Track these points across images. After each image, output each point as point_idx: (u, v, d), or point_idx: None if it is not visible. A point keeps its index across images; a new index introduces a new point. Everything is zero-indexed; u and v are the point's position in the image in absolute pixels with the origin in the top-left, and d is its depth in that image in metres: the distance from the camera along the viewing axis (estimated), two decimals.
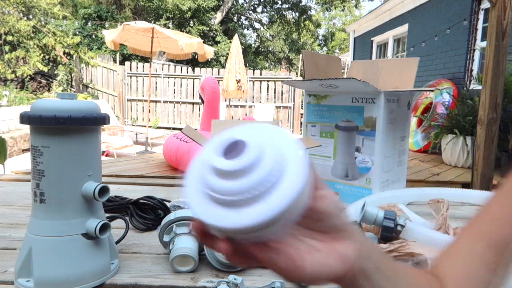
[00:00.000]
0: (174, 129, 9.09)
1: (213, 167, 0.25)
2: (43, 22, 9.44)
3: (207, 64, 12.41)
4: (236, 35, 6.75)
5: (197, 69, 9.56)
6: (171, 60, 10.87)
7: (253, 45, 18.45)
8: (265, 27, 18.13)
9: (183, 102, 9.46)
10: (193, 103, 9.39)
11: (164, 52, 9.47)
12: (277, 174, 0.25)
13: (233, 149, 0.26)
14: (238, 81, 6.36)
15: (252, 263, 0.28)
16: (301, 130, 8.91)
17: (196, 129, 1.22)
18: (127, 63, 9.55)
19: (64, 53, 9.07)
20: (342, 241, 0.29)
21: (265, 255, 0.27)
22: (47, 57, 9.11)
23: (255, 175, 0.24)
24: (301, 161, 0.26)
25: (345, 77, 1.07)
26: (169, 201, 1.00)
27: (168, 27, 12.48)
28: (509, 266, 0.32)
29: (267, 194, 0.24)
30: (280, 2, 17.26)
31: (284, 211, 0.24)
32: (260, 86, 9.37)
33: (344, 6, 17.83)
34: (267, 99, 9.44)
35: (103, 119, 0.62)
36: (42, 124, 0.57)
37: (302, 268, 0.27)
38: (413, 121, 5.07)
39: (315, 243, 0.29)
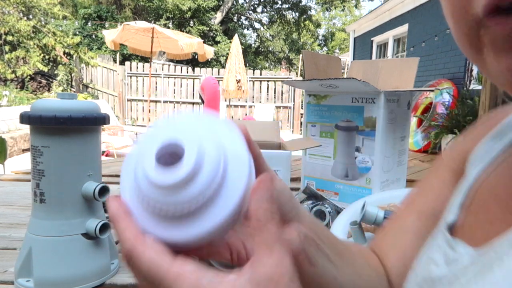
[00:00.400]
0: None
1: (148, 179, 0.22)
2: (43, 22, 9.44)
3: (207, 64, 12.41)
4: (236, 35, 6.76)
5: (197, 69, 9.56)
6: (171, 60, 10.87)
7: (253, 45, 18.45)
8: (265, 27, 18.13)
9: (183, 102, 9.46)
10: (193, 103, 9.40)
11: (164, 52, 9.47)
12: (218, 181, 0.23)
13: (168, 151, 0.24)
14: (238, 81, 6.36)
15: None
16: (301, 130, 8.91)
17: None
18: (127, 63, 9.55)
19: (64, 53, 9.07)
20: (285, 225, 0.27)
21: (204, 254, 0.25)
22: (47, 57, 9.11)
23: (194, 187, 0.22)
24: (242, 159, 0.24)
25: (345, 77, 1.07)
26: None
27: (168, 27, 12.47)
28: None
29: (209, 203, 0.23)
30: (280, 2, 17.26)
31: (228, 219, 0.23)
32: (260, 86, 9.37)
33: (344, 6, 17.83)
34: (267, 99, 9.44)
35: (103, 119, 0.62)
36: (42, 124, 0.57)
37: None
38: (413, 121, 5.07)
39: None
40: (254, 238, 0.22)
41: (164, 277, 0.20)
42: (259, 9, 18.23)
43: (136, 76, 9.45)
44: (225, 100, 8.01)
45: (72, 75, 9.79)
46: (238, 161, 0.24)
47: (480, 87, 3.13)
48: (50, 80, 10.28)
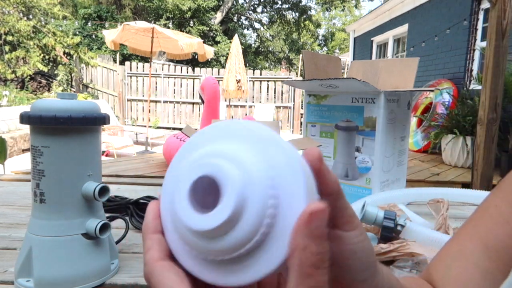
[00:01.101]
0: (174, 129, 9.09)
1: (186, 227, 0.20)
2: (43, 22, 9.44)
3: (207, 64, 12.41)
4: (236, 35, 6.75)
5: (197, 69, 9.56)
6: (171, 60, 10.87)
7: (253, 45, 18.45)
8: (265, 27, 18.13)
9: (183, 102, 9.46)
10: (193, 103, 9.40)
11: (164, 52, 9.47)
12: (268, 220, 0.19)
13: (204, 189, 0.20)
14: (238, 81, 6.36)
15: None
16: (301, 130, 8.91)
17: (196, 129, 1.22)
18: (127, 63, 9.56)
19: (64, 53, 9.07)
20: None
21: None
22: (47, 57, 9.12)
23: (238, 231, 0.19)
24: (300, 191, 0.19)
25: (345, 77, 1.07)
26: None
27: (168, 27, 12.47)
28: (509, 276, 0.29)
29: (253, 253, 0.19)
30: (280, 2, 17.27)
31: (274, 271, 0.19)
32: (260, 86, 9.37)
33: (344, 6, 17.84)
34: (267, 99, 9.44)
35: (103, 119, 0.62)
36: (42, 124, 0.57)
37: None
38: (413, 121, 5.07)
39: None
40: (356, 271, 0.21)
41: None
42: (259, 9, 18.24)
43: (136, 76, 9.45)
44: (225, 100, 8.01)
45: (72, 75, 9.79)
46: (293, 194, 0.19)
47: (480, 87, 3.13)
48: (50, 80, 10.28)
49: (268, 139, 0.20)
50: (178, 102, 9.48)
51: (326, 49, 22.58)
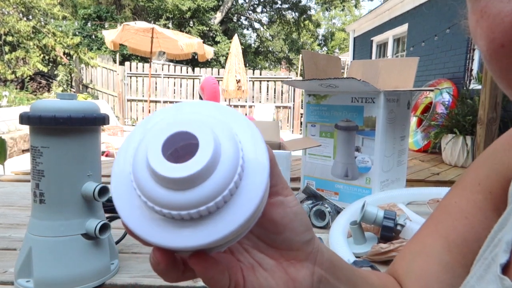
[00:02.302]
0: None
1: (154, 172, 0.19)
2: (43, 23, 9.44)
3: (207, 64, 12.41)
4: (236, 35, 6.75)
5: (197, 69, 9.56)
6: (171, 60, 10.87)
7: (253, 45, 18.45)
8: (265, 27, 18.13)
9: None
10: None
11: (164, 52, 9.47)
12: (236, 179, 0.19)
13: (176, 142, 0.21)
14: (238, 81, 6.36)
15: (186, 276, 0.23)
16: (301, 130, 8.91)
17: None
18: (127, 63, 9.56)
19: (64, 53, 9.07)
20: (296, 262, 0.25)
21: (202, 267, 0.22)
22: (47, 57, 9.12)
23: (209, 184, 0.19)
24: (262, 155, 0.21)
25: (345, 77, 1.07)
26: None
27: (168, 27, 12.47)
28: (471, 268, 0.29)
29: (224, 207, 0.20)
30: (280, 2, 17.26)
31: (243, 225, 0.20)
32: (260, 86, 9.37)
33: (344, 6, 17.83)
34: (267, 99, 9.44)
35: (103, 119, 0.62)
36: (41, 125, 0.57)
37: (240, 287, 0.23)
38: (413, 120, 5.07)
39: (263, 259, 0.25)
40: (289, 234, 0.23)
41: None
42: (259, 9, 18.24)
43: (136, 76, 9.45)
44: (225, 100, 8.01)
45: (72, 75, 9.79)
46: (256, 163, 0.21)
47: (480, 87, 3.13)
48: (50, 80, 10.28)
49: (227, 112, 0.22)
50: (178, 102, 9.48)
51: (326, 49, 22.58)
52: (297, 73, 12.28)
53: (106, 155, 5.49)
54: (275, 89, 9.40)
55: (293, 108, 9.24)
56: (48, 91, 9.97)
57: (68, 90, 9.84)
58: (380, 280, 0.35)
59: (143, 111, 9.46)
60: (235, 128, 0.21)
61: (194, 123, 0.20)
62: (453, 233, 0.35)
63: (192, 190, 0.19)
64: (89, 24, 12.32)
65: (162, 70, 9.48)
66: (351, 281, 0.29)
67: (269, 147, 0.23)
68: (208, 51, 6.26)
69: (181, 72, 9.49)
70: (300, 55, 12.07)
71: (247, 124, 0.22)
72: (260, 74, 9.51)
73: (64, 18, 9.96)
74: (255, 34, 18.71)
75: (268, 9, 17.86)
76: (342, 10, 19.22)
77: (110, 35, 5.84)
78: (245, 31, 18.53)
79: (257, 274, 0.24)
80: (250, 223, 0.21)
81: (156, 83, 9.47)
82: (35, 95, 9.30)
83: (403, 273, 0.36)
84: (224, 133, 0.20)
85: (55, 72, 10.05)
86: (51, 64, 9.93)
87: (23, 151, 5.62)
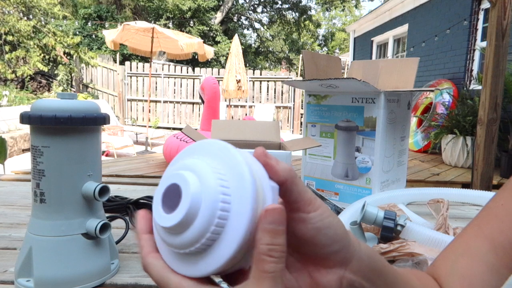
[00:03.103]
0: (174, 129, 9.10)
1: (156, 223, 0.24)
2: (43, 22, 9.44)
3: (207, 64, 12.41)
4: (236, 35, 6.75)
5: (197, 69, 9.56)
6: (171, 60, 10.87)
7: (253, 45, 18.46)
8: (265, 27, 18.14)
9: (183, 102, 9.46)
10: (193, 103, 9.40)
11: (164, 52, 9.47)
12: (219, 221, 0.22)
13: (173, 190, 0.24)
14: (238, 81, 6.36)
15: None
16: (301, 130, 8.91)
17: (196, 129, 1.22)
18: (127, 63, 9.56)
19: (64, 53, 9.07)
20: (322, 268, 0.26)
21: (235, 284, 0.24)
22: (47, 57, 9.12)
23: (194, 229, 0.22)
24: (247, 191, 0.22)
25: (345, 77, 1.07)
26: None
27: (168, 27, 12.48)
28: None
29: (210, 246, 0.23)
30: (280, 2, 17.27)
31: (231, 260, 0.22)
32: (260, 86, 9.38)
33: (344, 6, 17.83)
34: (267, 99, 9.44)
35: (103, 119, 0.62)
36: (42, 124, 0.57)
37: None
38: (413, 121, 5.07)
39: (291, 262, 0.26)
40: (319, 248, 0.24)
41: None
42: (259, 9, 18.24)
43: (136, 76, 9.45)
44: (225, 100, 8.00)
45: (72, 75, 9.79)
46: (241, 197, 0.22)
47: (480, 87, 3.13)
48: (50, 80, 10.29)
49: (226, 152, 0.24)
50: (178, 102, 9.48)
51: (326, 49, 22.58)
52: (297, 73, 12.28)
53: (106, 155, 5.49)
54: (275, 89, 9.40)
55: (293, 108, 9.24)
56: (48, 90, 9.98)
57: (68, 90, 9.84)
58: (420, 281, 0.35)
59: (143, 111, 9.46)
60: (225, 173, 0.23)
61: (180, 177, 0.23)
62: (500, 235, 0.34)
63: (184, 233, 0.23)
64: (89, 24, 12.32)
65: (162, 70, 9.48)
66: (389, 283, 0.29)
67: (286, 165, 0.25)
68: (208, 51, 6.26)
69: (181, 72, 9.49)
70: (300, 55, 12.07)
71: (239, 168, 0.23)
72: (260, 74, 9.51)
73: (65, 17, 9.97)
74: (256, 34, 18.71)
75: (268, 9, 17.87)
76: (343, 10, 19.23)
77: (111, 35, 5.84)
78: (245, 31, 18.54)
79: (283, 276, 0.25)
80: (239, 256, 0.23)
81: (156, 83, 9.47)
82: (35, 94, 9.30)
83: (445, 273, 0.36)
84: (210, 182, 0.23)
85: (55, 72, 10.05)
86: (51, 64, 9.93)
87: (23, 150, 5.62)
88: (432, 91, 4.87)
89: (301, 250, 0.26)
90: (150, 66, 6.65)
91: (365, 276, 0.27)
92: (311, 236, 0.24)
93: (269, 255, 0.21)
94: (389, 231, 0.72)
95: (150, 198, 0.91)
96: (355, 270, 0.26)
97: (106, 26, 11.99)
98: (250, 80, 9.04)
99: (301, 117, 9.18)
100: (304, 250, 0.25)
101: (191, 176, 0.23)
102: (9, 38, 8.27)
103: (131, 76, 9.48)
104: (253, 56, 17.38)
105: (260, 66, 17.32)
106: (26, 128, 5.64)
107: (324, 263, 0.25)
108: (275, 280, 0.21)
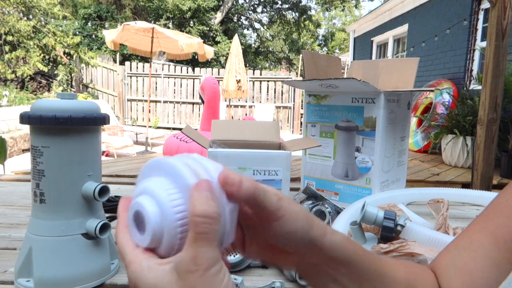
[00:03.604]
0: (174, 129, 9.09)
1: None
2: (43, 22, 9.44)
3: (207, 64, 12.41)
4: (236, 35, 6.75)
5: (197, 69, 9.56)
6: (171, 60, 10.87)
7: (253, 45, 18.46)
8: (265, 27, 18.14)
9: (183, 102, 9.46)
10: (193, 103, 9.39)
11: (164, 52, 9.47)
12: (180, 235, 0.26)
13: (139, 219, 0.28)
14: (238, 81, 6.36)
15: None
16: (301, 130, 8.91)
17: (196, 129, 1.22)
18: (127, 63, 9.55)
19: (64, 53, 9.07)
20: (285, 254, 0.30)
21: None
22: (47, 57, 9.12)
23: (162, 247, 0.26)
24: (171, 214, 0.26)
25: (345, 77, 1.07)
26: None
27: (168, 27, 12.47)
28: None
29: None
30: (280, 2, 17.26)
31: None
32: (260, 86, 9.37)
33: (344, 6, 17.83)
34: (267, 99, 9.44)
35: (103, 119, 0.62)
36: (42, 124, 0.57)
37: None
38: (413, 121, 5.07)
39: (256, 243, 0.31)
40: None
41: (125, 259, 0.27)
42: (259, 9, 18.24)
43: (136, 76, 9.44)
44: (225, 100, 8.00)
45: (72, 75, 9.79)
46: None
47: (480, 87, 3.13)
48: (50, 80, 10.28)
49: (176, 170, 0.27)
50: (178, 102, 9.48)
51: (326, 49, 22.58)
52: (297, 73, 12.28)
53: (106, 155, 5.49)
54: (275, 89, 9.40)
55: (293, 108, 9.24)
56: (48, 90, 9.97)
57: (68, 90, 9.83)
58: (410, 274, 0.35)
59: (143, 111, 9.46)
60: (177, 191, 0.27)
61: (141, 206, 0.27)
62: (503, 230, 0.35)
63: (159, 248, 0.27)
64: (89, 24, 12.32)
65: (162, 70, 9.48)
66: (362, 271, 0.31)
67: (249, 182, 0.27)
68: (208, 51, 6.26)
69: (181, 72, 9.49)
70: (300, 55, 12.06)
71: (187, 182, 0.26)
72: (260, 74, 9.51)
73: (65, 17, 9.96)
74: (255, 34, 18.71)
75: (268, 9, 17.86)
76: (342, 10, 19.23)
77: (111, 35, 5.84)
78: (245, 31, 18.54)
79: (225, 239, 0.28)
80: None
81: (156, 83, 9.47)
82: (35, 94, 9.30)
83: (445, 266, 0.36)
84: (165, 205, 0.26)
85: (55, 72, 10.05)
86: (51, 64, 9.93)
87: (23, 150, 5.62)
88: (432, 91, 4.87)
89: (264, 239, 0.30)
90: (150, 66, 6.65)
91: (325, 264, 0.30)
92: (276, 237, 0.28)
93: (201, 217, 0.24)
94: (389, 231, 0.72)
95: None
96: (313, 259, 0.30)
97: (106, 26, 11.98)
98: (250, 80, 9.04)
99: (301, 117, 9.18)
100: (266, 239, 0.30)
101: (150, 204, 0.26)
102: (9, 38, 8.27)
103: (131, 76, 9.47)
104: (253, 56, 17.38)
105: (260, 66, 17.32)
106: (26, 128, 5.64)
107: (284, 251, 0.30)
108: (208, 240, 0.24)
